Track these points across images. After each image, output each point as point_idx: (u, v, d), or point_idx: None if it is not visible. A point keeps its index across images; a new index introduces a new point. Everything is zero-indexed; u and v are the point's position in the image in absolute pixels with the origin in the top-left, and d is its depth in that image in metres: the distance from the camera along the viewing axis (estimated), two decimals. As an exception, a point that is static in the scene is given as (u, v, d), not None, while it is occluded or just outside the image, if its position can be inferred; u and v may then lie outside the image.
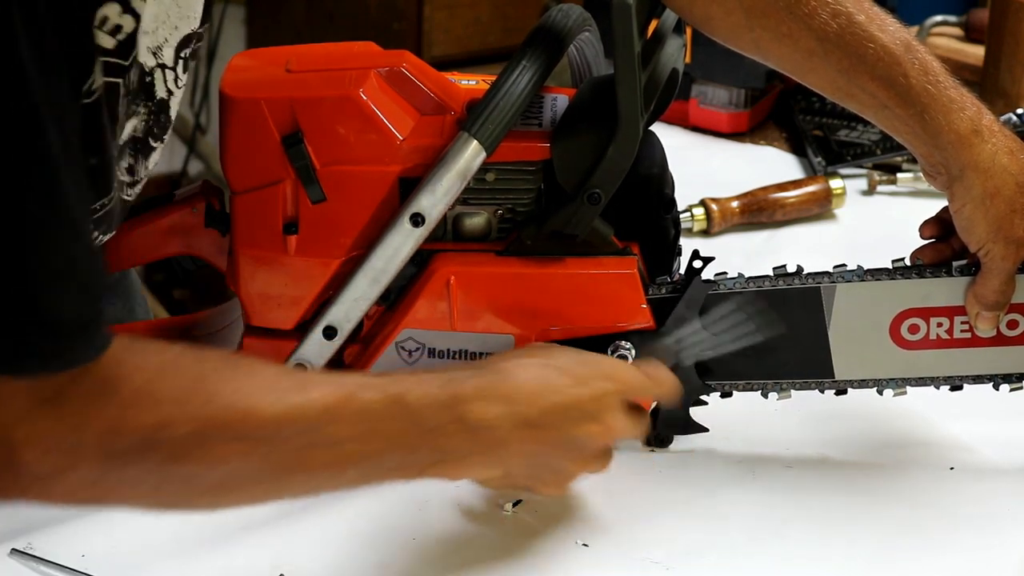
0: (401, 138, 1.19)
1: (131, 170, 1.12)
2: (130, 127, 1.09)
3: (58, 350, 0.90)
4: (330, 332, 1.21)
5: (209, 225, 1.29)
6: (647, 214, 1.25)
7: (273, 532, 1.16)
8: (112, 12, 0.99)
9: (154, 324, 1.47)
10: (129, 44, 1.02)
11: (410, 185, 1.18)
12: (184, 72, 1.15)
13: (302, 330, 1.23)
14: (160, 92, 1.11)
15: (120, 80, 1.02)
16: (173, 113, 1.13)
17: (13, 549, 1.13)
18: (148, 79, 1.09)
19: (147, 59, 1.07)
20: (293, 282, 1.23)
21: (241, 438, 0.96)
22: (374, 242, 1.19)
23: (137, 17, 1.01)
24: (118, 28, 1.00)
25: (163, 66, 1.09)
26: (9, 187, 0.86)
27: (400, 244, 1.18)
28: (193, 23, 1.12)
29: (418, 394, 1.02)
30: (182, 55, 1.12)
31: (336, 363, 1.25)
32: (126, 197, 1.12)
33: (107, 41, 1.00)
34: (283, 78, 1.22)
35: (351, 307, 1.21)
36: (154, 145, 1.13)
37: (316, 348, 1.22)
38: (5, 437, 0.91)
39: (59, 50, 0.88)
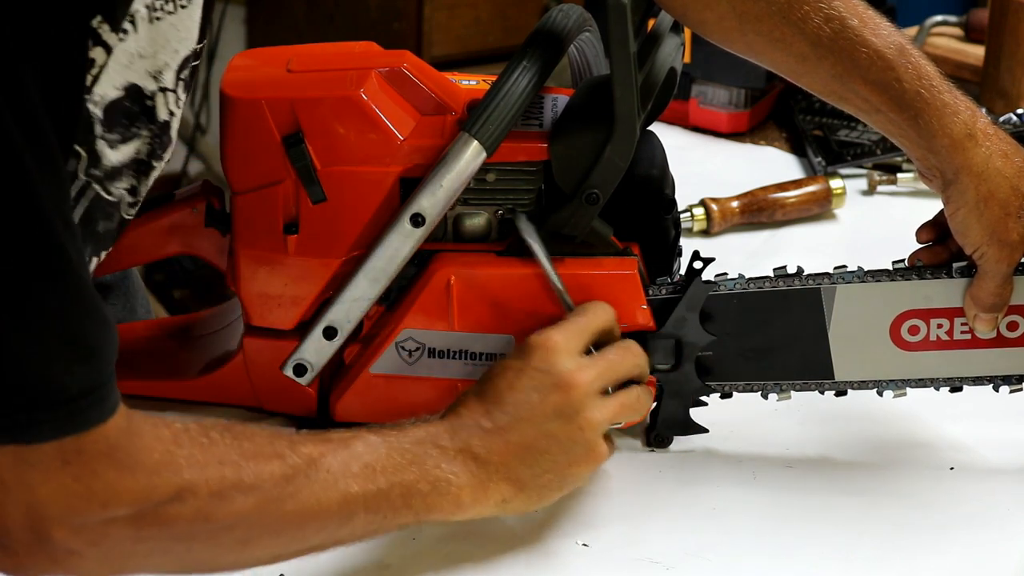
0: (402, 138, 1.19)
1: (133, 191, 1.13)
2: (131, 149, 1.09)
3: (70, 414, 0.92)
4: (330, 332, 1.21)
5: (209, 225, 1.29)
6: (647, 214, 1.25)
7: (273, 532, 1.16)
8: (98, 55, 0.99)
9: (154, 324, 1.47)
10: (97, 78, 1.03)
11: (410, 185, 1.18)
12: (184, 92, 1.15)
13: (302, 330, 1.23)
14: (162, 115, 1.11)
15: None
16: (174, 134, 1.14)
17: (13, 549, 1.13)
18: (149, 103, 1.09)
19: (147, 83, 1.08)
20: (293, 282, 1.23)
21: (255, 492, 1.00)
22: (374, 242, 1.19)
23: (108, 50, 1.01)
24: (91, 62, 1.00)
25: (164, 89, 1.10)
26: (12, 264, 0.89)
27: (400, 244, 1.18)
28: (191, 44, 1.12)
29: (394, 437, 1.09)
30: (182, 76, 1.12)
31: (336, 363, 1.25)
32: (127, 216, 1.14)
33: (86, 79, 1.00)
34: (284, 78, 1.22)
35: (351, 307, 1.21)
36: (155, 165, 1.14)
37: (316, 348, 1.22)
38: (37, 514, 0.93)
39: (48, 120, 0.90)
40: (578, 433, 1.12)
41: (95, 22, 0.98)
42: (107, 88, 1.03)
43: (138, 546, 0.97)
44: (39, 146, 0.89)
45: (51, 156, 0.91)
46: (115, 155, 1.08)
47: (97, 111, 1.03)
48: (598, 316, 1.18)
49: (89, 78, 1.00)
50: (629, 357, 1.17)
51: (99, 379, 0.94)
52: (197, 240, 1.30)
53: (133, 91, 1.06)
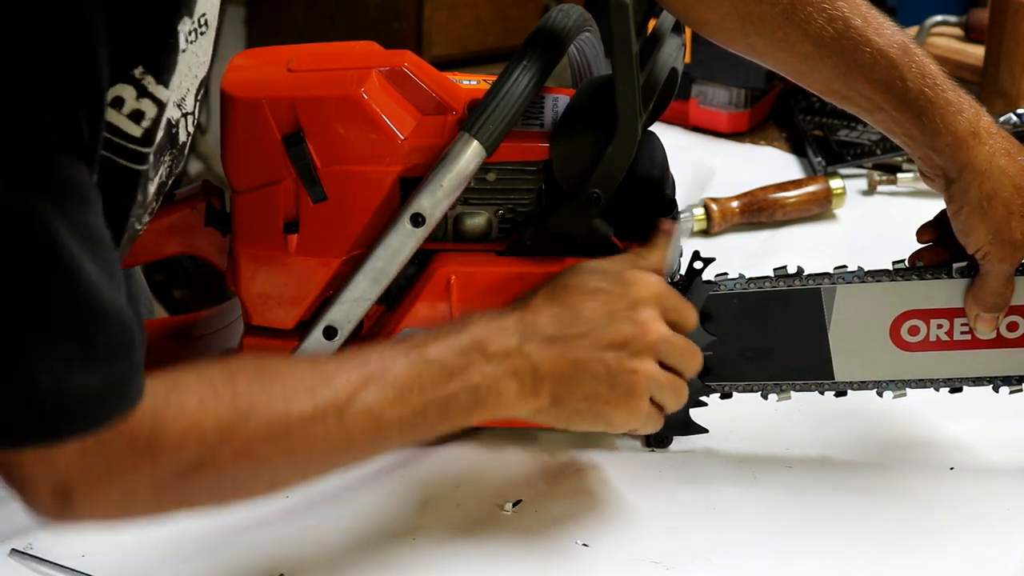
0: (402, 138, 1.19)
1: (153, 211, 1.14)
2: (158, 181, 1.10)
3: (86, 413, 0.93)
4: (330, 332, 1.21)
5: (209, 225, 1.29)
6: (647, 214, 1.25)
7: (273, 532, 1.16)
8: (127, 95, 0.99)
9: (154, 324, 1.47)
10: (153, 131, 1.03)
11: (411, 185, 1.19)
12: (199, 110, 1.15)
13: (302, 330, 1.23)
14: (183, 137, 1.11)
15: (144, 167, 1.03)
16: (187, 148, 1.15)
17: (13, 549, 1.13)
18: (174, 130, 1.09)
19: (175, 113, 1.08)
20: (293, 282, 1.23)
21: (282, 442, 1.01)
22: (375, 242, 1.19)
23: (160, 105, 1.02)
24: (139, 114, 1.01)
25: (187, 114, 1.10)
26: (13, 275, 0.88)
27: (401, 244, 1.18)
28: (208, 63, 1.13)
29: (439, 347, 1.08)
30: (198, 97, 1.13)
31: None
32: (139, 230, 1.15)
33: (133, 128, 1.01)
34: (284, 77, 1.22)
35: (351, 307, 1.21)
36: (171, 181, 1.15)
37: (316, 348, 1.22)
38: (62, 493, 0.95)
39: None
40: (629, 375, 1.12)
41: (137, 72, 0.99)
42: (159, 135, 1.04)
43: (160, 508, 1.01)
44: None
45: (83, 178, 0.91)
46: (152, 188, 1.09)
47: (151, 156, 1.04)
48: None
49: (140, 130, 1.01)
50: (691, 354, 1.16)
51: (117, 373, 0.94)
52: (197, 240, 1.30)
53: (167, 126, 1.06)
